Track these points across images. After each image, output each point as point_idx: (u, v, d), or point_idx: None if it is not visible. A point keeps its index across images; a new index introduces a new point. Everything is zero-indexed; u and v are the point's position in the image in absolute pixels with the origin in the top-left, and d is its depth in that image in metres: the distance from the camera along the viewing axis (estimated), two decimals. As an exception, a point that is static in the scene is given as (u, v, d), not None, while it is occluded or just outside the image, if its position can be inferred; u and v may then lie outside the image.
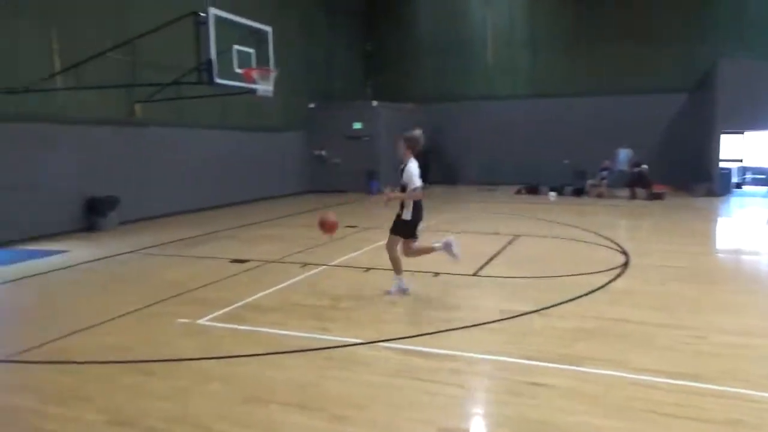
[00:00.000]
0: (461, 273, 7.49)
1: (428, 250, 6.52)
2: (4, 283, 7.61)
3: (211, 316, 5.83)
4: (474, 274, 7.50)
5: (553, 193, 17.81)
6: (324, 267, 8.06)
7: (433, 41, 22.74)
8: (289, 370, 4.46)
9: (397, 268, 6.44)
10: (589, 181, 17.66)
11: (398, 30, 23.23)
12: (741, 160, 18.62)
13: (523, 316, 5.67)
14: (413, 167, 6.28)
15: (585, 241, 9.88)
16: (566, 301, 6.14)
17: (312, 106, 20.01)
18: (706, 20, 19.26)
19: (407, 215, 6.28)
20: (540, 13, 21.38)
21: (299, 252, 9.16)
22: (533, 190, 18.52)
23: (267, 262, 8.46)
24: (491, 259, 8.44)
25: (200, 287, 7.03)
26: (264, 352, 4.83)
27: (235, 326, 5.52)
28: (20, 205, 10.42)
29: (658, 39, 19.66)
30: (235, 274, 7.73)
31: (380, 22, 23.48)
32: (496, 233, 10.68)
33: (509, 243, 9.74)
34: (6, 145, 10.31)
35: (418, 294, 6.55)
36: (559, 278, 7.22)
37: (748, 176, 18.54)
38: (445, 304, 6.16)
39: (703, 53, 18.83)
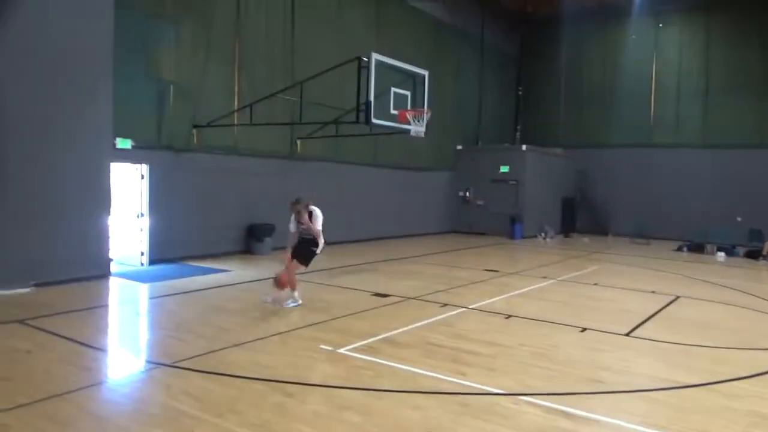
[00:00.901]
0: (612, 331, 6.92)
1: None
2: (177, 294, 8.48)
3: (351, 346, 5.96)
4: (627, 335, 6.88)
5: (721, 254, 15.96)
6: (463, 309, 7.92)
7: (588, 87, 21.92)
8: (424, 410, 4.38)
9: (294, 286, 7.86)
10: (767, 243, 15.59)
11: (551, 75, 22.76)
12: None
13: (685, 389, 5.06)
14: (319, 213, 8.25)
15: (762, 311, 8.65)
16: (741, 378, 5.37)
17: (459, 147, 20.18)
18: None
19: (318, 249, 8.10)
20: (715, 61, 19.67)
21: (440, 291, 9.12)
22: (698, 248, 16.75)
23: (407, 298, 8.53)
24: (647, 319, 7.71)
25: (343, 317, 7.25)
26: (400, 389, 4.80)
27: (373, 359, 5.58)
28: (195, 227, 11.66)
29: None
30: (375, 307, 7.88)
31: (532, 66, 23.20)
32: (653, 292, 9.77)
33: (669, 304, 8.84)
34: (186, 173, 11.64)
35: (564, 350, 6.15)
36: (731, 350, 6.37)
37: None
38: (595, 364, 5.70)
39: None
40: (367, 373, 5.18)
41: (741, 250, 16.12)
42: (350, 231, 15.58)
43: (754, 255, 15.61)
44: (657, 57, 20.73)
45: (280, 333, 6.40)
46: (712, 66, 19.68)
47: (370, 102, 10.55)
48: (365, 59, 10.60)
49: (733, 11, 19.34)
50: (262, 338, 6.18)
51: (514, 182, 19.20)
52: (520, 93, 23.31)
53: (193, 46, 11.66)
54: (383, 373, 5.20)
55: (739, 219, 17.20)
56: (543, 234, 19.28)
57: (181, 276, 9.81)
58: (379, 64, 10.75)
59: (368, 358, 5.61)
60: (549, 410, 4.48)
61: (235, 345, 5.89)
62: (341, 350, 5.82)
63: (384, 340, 6.28)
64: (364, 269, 11.36)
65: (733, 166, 18.86)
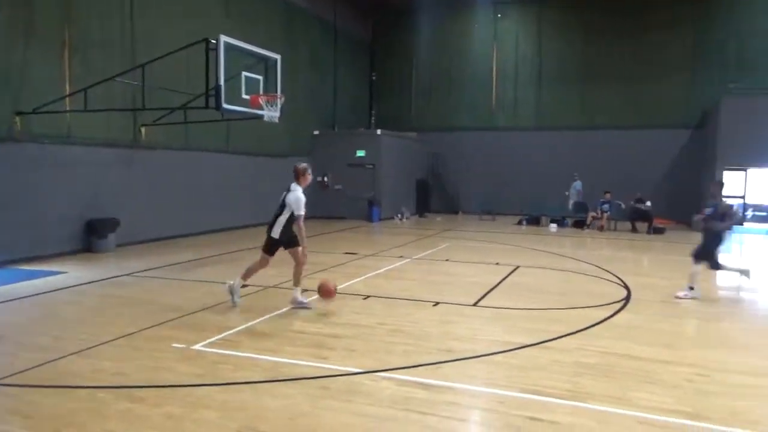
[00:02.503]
0: (461, 303, 7.40)
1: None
2: (1, 302, 7.52)
3: (206, 341, 5.73)
4: (474, 305, 7.41)
5: (554, 225, 17.77)
6: (323, 294, 7.96)
7: (437, 73, 23.06)
8: (284, 398, 4.36)
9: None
10: (591, 214, 17.63)
11: (403, 61, 23.55)
12: (743, 197, 18.57)
13: (524, 349, 5.57)
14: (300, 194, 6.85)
15: (586, 274, 9.80)
16: (568, 335, 6.04)
17: (316, 133, 20.15)
18: (709, 59, 19.49)
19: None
20: (546, 51, 21.66)
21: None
22: (534, 221, 18.48)
23: (266, 287, 8.38)
24: (491, 289, 8.36)
25: (197, 311, 6.94)
26: (260, 379, 4.73)
27: (231, 352, 5.42)
28: (19, 226, 10.37)
29: (662, 77, 19.90)
30: (233, 299, 7.63)
31: (386, 53, 23.83)
32: (497, 264, 10.60)
33: (509, 274, 9.66)
34: (6, 165, 10.31)
35: (419, 325, 6.46)
36: (560, 311, 7.13)
37: (750, 213, 18.50)
38: (446, 335, 6.06)
39: (706, 91, 19.02)
40: (225, 368, 5.02)
41: (570, 221, 18.06)
42: (205, 221, 14.90)
43: (580, 225, 17.58)
44: (497, 45, 22.32)
45: (126, 335, 5.96)
46: (544, 55, 21.65)
47: (220, 86, 10.11)
48: (213, 41, 10.11)
49: (561, 6, 21.39)
50: (107, 342, 5.71)
51: (370, 166, 19.62)
52: (373, 78, 23.83)
53: (11, 28, 10.26)
54: (243, 365, 5.08)
55: (567, 193, 19.19)
56: (400, 215, 20.00)
57: (5, 282, 8.68)
58: (228, 47, 10.32)
59: (226, 352, 5.44)
60: (405, 383, 4.69)
61: (75, 353, 5.38)
62: (196, 347, 5.57)
63: (243, 331, 6.12)
64: (223, 260, 10.96)
65: (562, 146, 20.99)
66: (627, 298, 7.88)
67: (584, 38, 21.00)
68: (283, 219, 6.84)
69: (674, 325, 6.68)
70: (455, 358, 5.31)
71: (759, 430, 3.98)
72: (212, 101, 10.22)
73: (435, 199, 22.48)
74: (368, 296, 7.79)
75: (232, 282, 7.21)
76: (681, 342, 5.99)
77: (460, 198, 22.52)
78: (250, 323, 6.41)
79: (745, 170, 17.94)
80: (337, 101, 21.62)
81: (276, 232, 6.87)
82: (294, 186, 6.92)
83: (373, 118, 23.41)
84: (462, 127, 22.58)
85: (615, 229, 17.21)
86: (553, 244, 14.03)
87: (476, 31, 22.63)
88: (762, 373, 5.08)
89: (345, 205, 19.53)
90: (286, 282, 8.69)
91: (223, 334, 5.97)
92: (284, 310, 7.04)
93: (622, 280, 9.13)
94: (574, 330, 6.21)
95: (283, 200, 6.88)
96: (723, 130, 17.02)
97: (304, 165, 7.16)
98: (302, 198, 6.79)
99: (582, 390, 4.58)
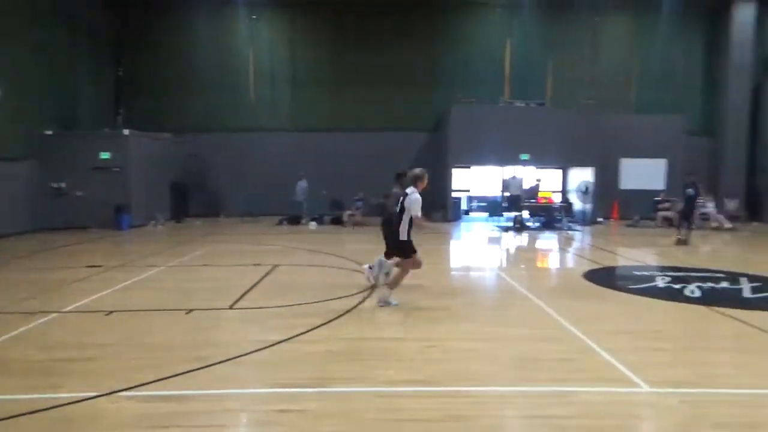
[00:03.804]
0: (216, 307, 7.26)
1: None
2: None
3: None
4: (230, 308, 7.33)
5: (313, 223, 18.47)
6: (56, 314, 7.06)
7: (195, 72, 22.06)
8: (-1, 440, 3.77)
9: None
10: (347, 211, 18.75)
11: (157, 58, 22.00)
12: (468, 191, 21.72)
13: (277, 345, 5.72)
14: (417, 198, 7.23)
15: (341, 268, 10.42)
16: (318, 327, 6.37)
17: (49, 133, 17.63)
18: (442, 72, 22.22)
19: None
20: (299, 53, 22.30)
21: (28, 299, 7.89)
22: (294, 220, 18.95)
23: (-20, 314, 7.09)
24: (249, 290, 8.36)
25: None
26: (-34, 423, 4.01)
27: (-73, 397, 4.48)
28: None
29: (404, 85, 22.04)
30: (-68, 334, 6.30)
31: (136, 48, 21.98)
32: (256, 264, 10.63)
33: (268, 273, 9.78)
34: None
35: (168, 335, 6.15)
36: (314, 304, 7.47)
37: (474, 204, 21.70)
38: (198, 342, 5.88)
39: (440, 99, 21.65)
40: None
41: (328, 219, 18.96)
42: None
43: (337, 221, 18.58)
44: (254, 46, 22.24)
45: None
46: (299, 59, 22.26)
47: None
48: None
49: (312, 12, 22.21)
50: None
51: (117, 169, 17.89)
52: (120, 74, 21.78)
53: None
54: (-59, 410, 4.23)
55: (324, 192, 20.10)
56: (154, 221, 18.67)
57: None
58: None
59: None
60: (151, 399, 4.44)
61: None
62: None
63: (-56, 370, 5.09)
64: None
65: (316, 147, 21.90)
66: (374, 286, 8.59)
67: (335, 44, 22.19)
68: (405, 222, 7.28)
69: (412, 306, 7.51)
70: (208, 364, 5.20)
71: (474, 384, 4.74)
72: None
73: (194, 202, 21.51)
74: (112, 311, 7.14)
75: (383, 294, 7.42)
76: (415, 320, 6.77)
77: (222, 201, 21.95)
78: (-46, 359, 5.37)
79: (470, 168, 20.98)
80: (76, 99, 19.22)
81: (403, 235, 7.34)
82: (411, 189, 7.29)
83: (120, 117, 21.38)
84: (222, 128, 22.02)
85: (369, 224, 18.55)
86: (312, 241, 14.59)
87: (233, 30, 22.27)
88: (475, 338, 6.03)
89: (88, 213, 17.48)
90: (8, 305, 7.47)
91: None
92: (5, 337, 6.05)
93: (370, 271, 9.91)
94: (325, 321, 6.58)
95: (402, 203, 7.30)
96: (452, 134, 19.64)
97: (420, 170, 7.46)
98: (420, 199, 7.21)
99: (329, 376, 4.89)
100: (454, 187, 20.33)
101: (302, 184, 19.79)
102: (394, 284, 7.51)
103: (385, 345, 5.75)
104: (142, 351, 5.61)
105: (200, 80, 22.08)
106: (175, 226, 18.95)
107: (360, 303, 7.57)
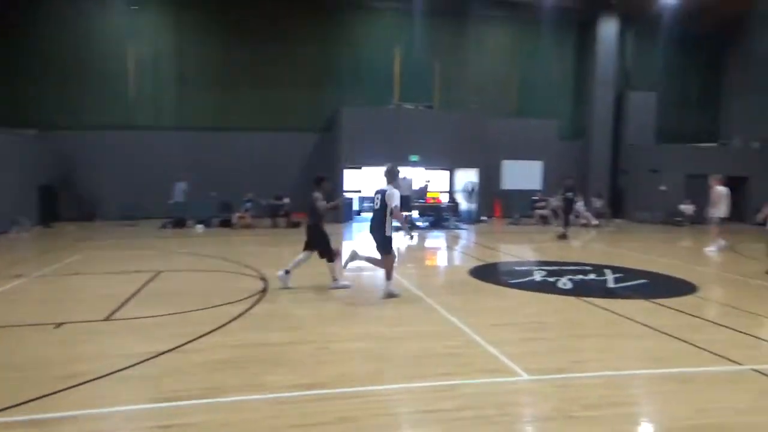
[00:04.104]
0: (91, 320, 6.73)
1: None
2: None
3: None
4: (106, 319, 6.82)
5: (200, 226, 17.71)
6: None
7: (66, 65, 20.22)
8: None
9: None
10: (237, 213, 18.19)
11: (19, 48, 19.90)
12: (360, 191, 21.93)
13: (160, 357, 5.41)
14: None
15: (229, 272, 10.08)
16: (206, 334, 6.11)
17: None
18: (333, 72, 22.17)
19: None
20: (185, 49, 21.23)
21: None
22: (180, 223, 18.06)
23: None
24: (128, 299, 7.83)
25: None
26: None
27: None
28: None
29: (295, 85, 21.73)
30: None
31: (2, 38, 19.77)
32: (136, 271, 9.99)
33: (150, 280, 9.22)
34: None
35: (36, 351, 5.60)
36: (201, 311, 7.15)
37: (366, 205, 21.95)
38: (70, 358, 5.41)
39: (330, 100, 21.61)
40: None
41: (216, 221, 18.28)
42: None
43: (226, 224, 17.97)
44: (134, 40, 20.84)
45: None
46: (184, 54, 21.19)
47: None
48: None
49: (200, 7, 21.23)
50: None
51: (-30, 169, 16.00)
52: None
53: None
54: None
55: (213, 194, 19.31)
56: (16, 227, 16.92)
57: None
58: None
59: None
60: (11, 425, 4.01)
61: None
62: None
63: None
64: None
65: (204, 147, 21.01)
66: (264, 290, 8.42)
67: (224, 41, 21.40)
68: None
69: (305, 308, 7.44)
70: (80, 382, 4.79)
71: (366, 384, 4.78)
72: None
73: (65, 206, 19.78)
74: (-35, 329, 6.37)
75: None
76: (307, 323, 6.72)
77: (98, 203, 20.37)
78: None
79: (361, 168, 21.19)
80: None
81: (388, 231, 7.90)
82: (389, 186, 7.90)
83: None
84: (97, 125, 20.40)
85: (258, 226, 18.16)
86: (199, 245, 14.00)
87: (111, 21, 20.73)
88: (367, 339, 6.10)
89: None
90: None
91: None
92: None
93: (261, 274, 9.70)
94: (213, 328, 6.33)
95: (382, 201, 7.83)
96: (343, 135, 19.73)
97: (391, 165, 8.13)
98: (398, 193, 7.90)
99: (217, 386, 4.71)
100: (345, 187, 20.43)
101: (181, 185, 18.88)
102: (389, 275, 8.11)
103: (276, 349, 5.65)
104: (5, 371, 5.06)
105: (74, 74, 20.30)
106: (43, 231, 17.30)
107: (251, 307, 7.37)
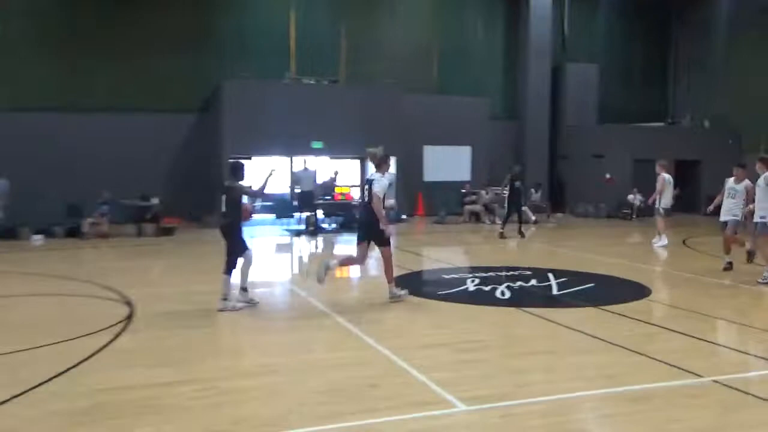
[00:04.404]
0: None
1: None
2: None
3: None
4: None
5: (38, 237, 16.67)
6: None
7: None
8: None
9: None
10: (89, 219, 17.29)
11: None
12: (250, 187, 21.46)
13: (-9, 412, 5.02)
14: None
15: (82, 295, 9.58)
16: (51, 378, 5.73)
17: None
18: (213, 41, 21.54)
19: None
20: (14, 9, 19.86)
21: None
22: (8, 233, 16.85)
23: None
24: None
25: None
26: None
27: None
28: None
29: (162, 55, 20.86)
30: None
31: None
32: (-47, 300, 9.24)
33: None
34: None
35: None
36: (42, 349, 6.71)
37: (258, 203, 21.56)
38: None
39: (209, 73, 20.97)
40: None
41: (61, 230, 17.27)
42: None
43: (75, 233, 17.02)
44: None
45: None
46: (12, 15, 19.85)
47: None
48: None
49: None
50: None
51: None
52: None
53: None
54: None
55: (56, 194, 18.19)
56: None
57: None
58: None
59: None
60: None
61: None
62: None
63: None
64: None
65: (43, 133, 19.64)
66: (129, 317, 8.06)
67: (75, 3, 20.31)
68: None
69: (183, 338, 7.19)
70: None
71: (267, 430, 4.67)
72: None
73: None
74: None
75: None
76: (188, 356, 6.49)
77: None
78: None
79: (251, 158, 20.79)
80: None
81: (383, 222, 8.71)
82: (377, 174, 8.83)
83: None
84: None
85: (120, 235, 17.36)
86: (37, 262, 13.25)
87: None
88: (264, 372, 5.98)
89: None
90: None
91: None
92: None
93: (124, 296, 9.28)
94: (63, 370, 5.95)
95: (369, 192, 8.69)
96: (226, 116, 19.22)
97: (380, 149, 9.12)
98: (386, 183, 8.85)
99: (70, 446, 4.43)
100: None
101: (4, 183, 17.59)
102: (391, 277, 8.92)
103: (149, 393, 5.41)
104: None
105: None
106: None
107: (113, 340, 7.02)
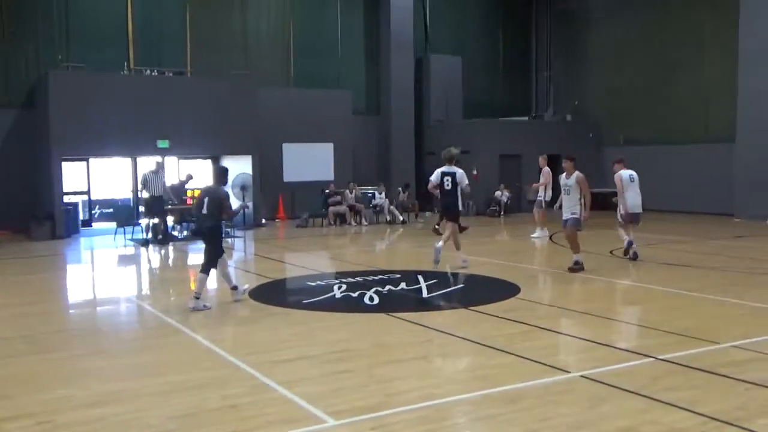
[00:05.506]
0: None
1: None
2: None
3: None
4: None
5: None
6: None
7: None
8: None
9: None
10: None
11: None
12: (88, 192, 20.37)
13: None
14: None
15: None
16: None
17: None
18: (32, 21, 20.14)
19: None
20: None
21: None
22: None
23: None
24: None
25: None
26: None
27: None
28: None
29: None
30: None
31: None
32: None
33: None
34: None
35: None
36: None
37: (96, 211, 20.50)
38: None
39: (31, 62, 19.67)
40: None
41: None
42: None
43: None
44: None
45: None
46: None
47: None
48: None
49: None
50: None
51: None
52: None
53: None
54: None
55: None
56: None
57: None
58: None
59: None
60: None
61: None
62: None
63: None
64: None
65: None
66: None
67: None
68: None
69: (13, 364, 6.70)
70: None
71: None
72: None
73: None
74: None
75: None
76: (19, 385, 6.06)
77: None
78: None
79: (87, 160, 19.73)
80: None
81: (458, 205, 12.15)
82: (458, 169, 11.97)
83: None
84: None
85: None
86: None
87: None
88: (102, 401, 5.65)
89: None
90: None
91: None
92: None
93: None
94: None
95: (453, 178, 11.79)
96: (54, 112, 18.00)
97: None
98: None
99: None
100: (65, 188, 18.74)
101: None
102: (458, 244, 12.15)
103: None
104: None
105: None
106: None
107: None
